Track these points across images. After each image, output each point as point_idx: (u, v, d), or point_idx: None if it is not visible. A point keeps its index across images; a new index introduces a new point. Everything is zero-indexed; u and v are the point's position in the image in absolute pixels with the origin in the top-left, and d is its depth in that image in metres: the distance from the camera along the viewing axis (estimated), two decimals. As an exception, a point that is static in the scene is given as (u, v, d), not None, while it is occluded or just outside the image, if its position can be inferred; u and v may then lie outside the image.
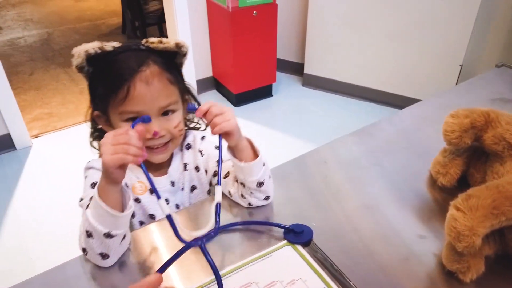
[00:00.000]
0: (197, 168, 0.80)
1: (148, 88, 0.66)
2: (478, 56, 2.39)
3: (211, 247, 0.64)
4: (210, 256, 0.55)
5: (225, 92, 2.73)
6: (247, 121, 2.51)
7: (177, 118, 0.72)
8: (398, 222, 0.71)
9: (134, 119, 0.65)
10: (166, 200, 0.78)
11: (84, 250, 0.61)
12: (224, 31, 2.43)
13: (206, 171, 0.80)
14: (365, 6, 2.41)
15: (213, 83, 2.83)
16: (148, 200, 0.76)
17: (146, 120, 0.65)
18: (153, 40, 0.68)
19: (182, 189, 0.80)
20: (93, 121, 0.75)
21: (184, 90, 0.75)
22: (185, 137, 0.79)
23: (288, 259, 0.62)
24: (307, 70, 2.82)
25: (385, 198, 0.76)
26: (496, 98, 1.08)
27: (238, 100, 2.63)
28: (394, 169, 0.84)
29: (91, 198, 0.60)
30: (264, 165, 0.69)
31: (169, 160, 0.77)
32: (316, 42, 2.69)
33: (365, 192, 0.78)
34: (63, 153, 2.29)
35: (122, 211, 0.59)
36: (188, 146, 0.80)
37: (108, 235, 0.58)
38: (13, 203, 1.93)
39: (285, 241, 0.65)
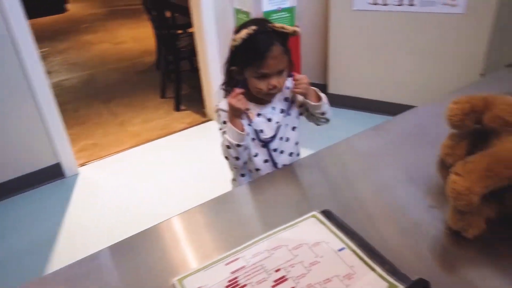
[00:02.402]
0: (292, 101, 1.19)
1: (274, 61, 1.03)
2: (498, 64, 2.44)
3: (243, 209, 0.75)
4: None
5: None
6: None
7: (284, 75, 1.09)
8: (410, 196, 0.80)
9: (262, 76, 1.05)
10: (269, 119, 1.15)
11: (226, 157, 1.13)
12: (250, 58, 2.61)
13: (295, 102, 1.20)
14: (384, 24, 2.54)
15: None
16: (263, 126, 1.15)
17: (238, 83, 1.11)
18: (277, 25, 1.05)
19: (282, 111, 1.17)
20: (228, 72, 1.13)
21: (289, 57, 1.10)
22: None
23: (312, 227, 0.72)
24: (331, 90, 2.95)
25: (399, 179, 0.85)
26: (505, 92, 1.15)
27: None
28: (407, 157, 0.93)
29: (223, 132, 1.10)
30: (326, 103, 1.15)
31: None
32: (339, 63, 2.82)
33: (380, 175, 0.87)
34: (107, 177, 2.49)
35: (243, 131, 1.08)
36: (287, 87, 1.18)
37: (238, 145, 1.08)
38: (65, 224, 2.11)
39: (310, 214, 0.75)
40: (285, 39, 1.06)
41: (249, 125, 1.13)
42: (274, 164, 1.20)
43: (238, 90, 1.06)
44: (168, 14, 3.84)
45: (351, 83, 2.85)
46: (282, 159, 1.21)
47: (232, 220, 0.79)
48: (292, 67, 1.14)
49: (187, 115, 3.16)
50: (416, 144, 0.98)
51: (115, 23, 6.00)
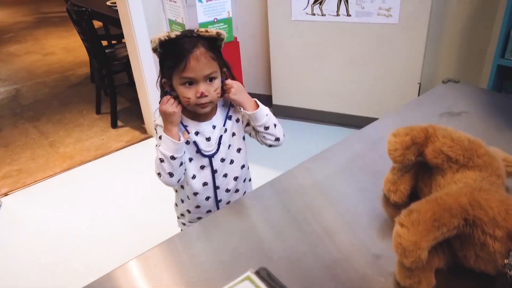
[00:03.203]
0: (237, 120, 1.10)
1: (198, 63, 0.94)
2: (435, 73, 2.51)
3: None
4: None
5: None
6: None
7: (216, 84, 0.99)
8: (354, 243, 0.72)
9: (188, 83, 0.97)
10: (208, 138, 1.05)
11: (159, 174, 1.02)
12: (189, 71, 2.48)
13: (242, 122, 1.11)
14: (323, 34, 2.52)
15: (184, 122, 2.86)
16: (201, 145, 1.06)
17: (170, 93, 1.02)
18: (201, 30, 0.98)
19: (226, 131, 1.08)
20: (162, 86, 1.04)
21: (222, 65, 1.02)
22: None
23: (246, 294, 0.62)
24: (275, 101, 2.89)
25: (342, 222, 0.78)
26: (444, 112, 1.13)
27: (210, 137, 2.65)
28: (349, 192, 0.86)
29: (160, 137, 1.00)
30: (267, 115, 1.05)
31: (214, 113, 1.07)
32: (281, 74, 2.77)
33: (320, 219, 0.79)
34: (33, 209, 2.24)
35: (179, 140, 0.99)
36: (232, 105, 1.10)
37: (172, 157, 0.98)
38: (-17, 267, 1.85)
39: (244, 275, 0.65)
40: (213, 44, 0.99)
41: (187, 143, 1.04)
42: (215, 188, 1.09)
43: (167, 96, 1.00)
44: (100, 24, 3.61)
45: (294, 94, 2.81)
46: (225, 183, 1.11)
47: None
48: (226, 76, 1.06)
49: (125, 132, 2.96)
50: (359, 175, 0.91)
51: (43, 32, 5.57)
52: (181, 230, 1.22)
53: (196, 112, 1.03)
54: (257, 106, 1.04)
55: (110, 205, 2.22)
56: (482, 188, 0.61)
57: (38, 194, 2.36)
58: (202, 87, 0.96)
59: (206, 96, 0.97)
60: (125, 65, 2.93)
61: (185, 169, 1.05)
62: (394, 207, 0.80)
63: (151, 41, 0.96)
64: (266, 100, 3.03)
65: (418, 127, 0.76)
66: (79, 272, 1.78)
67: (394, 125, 1.10)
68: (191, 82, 0.96)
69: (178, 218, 1.23)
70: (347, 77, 2.60)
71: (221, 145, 1.06)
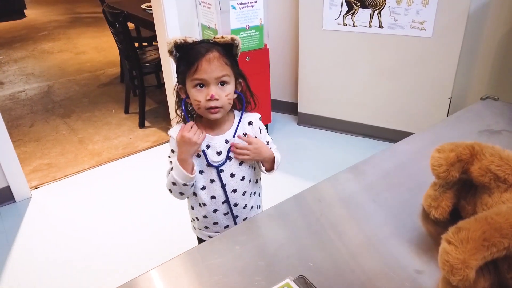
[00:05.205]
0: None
1: (209, 65, 0.95)
2: (466, 88, 2.47)
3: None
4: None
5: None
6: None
7: (228, 89, 0.99)
8: (395, 258, 0.71)
9: (200, 85, 0.97)
10: (219, 153, 1.04)
11: (170, 190, 1.07)
12: (218, 76, 2.51)
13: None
14: (354, 45, 2.51)
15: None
16: (208, 154, 1.05)
17: (188, 120, 1.02)
18: (218, 36, 0.99)
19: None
20: (177, 93, 1.05)
21: (237, 74, 1.02)
22: (246, 116, 1.09)
23: (286, 301, 0.63)
24: (301, 109, 2.89)
25: (381, 235, 0.77)
26: (484, 130, 1.11)
27: (235, 142, 2.67)
28: (388, 205, 0.86)
29: (170, 161, 1.06)
30: (275, 168, 1.09)
31: (228, 126, 1.06)
32: (308, 82, 2.77)
33: (360, 229, 0.79)
34: (62, 203, 2.30)
35: (192, 170, 1.02)
36: (250, 123, 1.08)
37: (185, 185, 1.02)
38: (11, 257, 1.91)
39: (283, 282, 0.66)
40: (229, 52, 1.00)
41: (198, 156, 1.04)
42: (224, 201, 1.09)
43: (191, 123, 1.00)
44: (132, 26, 3.70)
45: (320, 103, 2.81)
46: (234, 198, 1.10)
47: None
48: (242, 88, 1.06)
49: (152, 133, 3.01)
50: (397, 189, 0.91)
51: (76, 31, 5.74)
52: (196, 236, 1.23)
53: (209, 124, 1.04)
54: (273, 161, 1.08)
55: (135, 203, 2.25)
56: (533, 209, 0.60)
57: (66, 189, 2.42)
58: (213, 89, 0.96)
59: (217, 99, 0.96)
60: (156, 67, 2.99)
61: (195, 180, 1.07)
62: (433, 223, 0.79)
63: (167, 43, 0.96)
64: (292, 107, 3.03)
65: (463, 144, 0.75)
66: (98, 271, 1.81)
67: (430, 141, 1.09)
68: (203, 85, 0.96)
69: (191, 221, 1.23)
70: (375, 89, 2.58)
71: (232, 158, 1.06)
